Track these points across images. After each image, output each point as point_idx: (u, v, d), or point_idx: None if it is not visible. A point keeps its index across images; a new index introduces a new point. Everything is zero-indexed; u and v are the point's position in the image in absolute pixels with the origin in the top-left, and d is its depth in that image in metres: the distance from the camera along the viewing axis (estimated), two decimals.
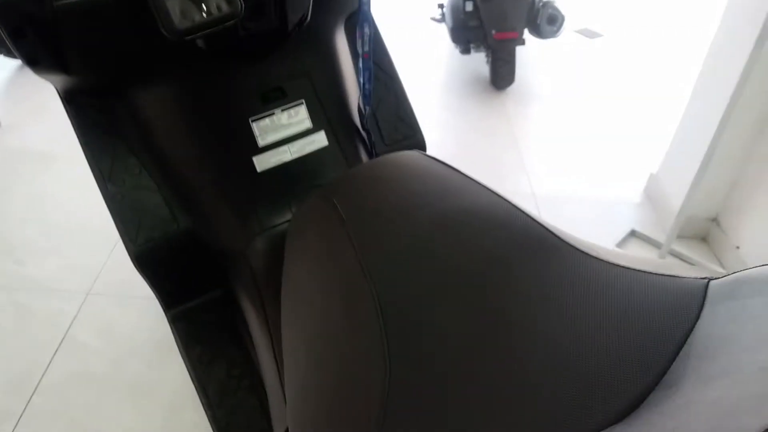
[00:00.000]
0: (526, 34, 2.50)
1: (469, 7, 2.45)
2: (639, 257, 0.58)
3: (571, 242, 0.58)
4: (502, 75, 2.51)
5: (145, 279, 1.02)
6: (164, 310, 1.08)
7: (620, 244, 1.71)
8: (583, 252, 0.56)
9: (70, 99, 0.95)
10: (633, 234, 1.76)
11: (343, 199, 0.69)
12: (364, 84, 1.02)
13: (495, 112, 2.46)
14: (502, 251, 0.56)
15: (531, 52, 2.92)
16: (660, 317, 0.48)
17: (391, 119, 1.15)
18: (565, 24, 2.50)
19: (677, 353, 0.44)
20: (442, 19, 2.83)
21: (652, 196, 1.91)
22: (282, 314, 0.70)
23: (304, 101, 0.99)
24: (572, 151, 2.21)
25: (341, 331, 0.55)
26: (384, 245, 0.60)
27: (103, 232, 1.64)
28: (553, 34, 2.47)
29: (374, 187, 0.69)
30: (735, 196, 1.64)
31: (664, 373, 0.43)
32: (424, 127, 1.18)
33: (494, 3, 2.37)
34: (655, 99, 2.59)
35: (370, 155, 1.10)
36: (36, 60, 0.82)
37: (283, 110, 0.97)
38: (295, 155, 0.99)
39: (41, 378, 1.27)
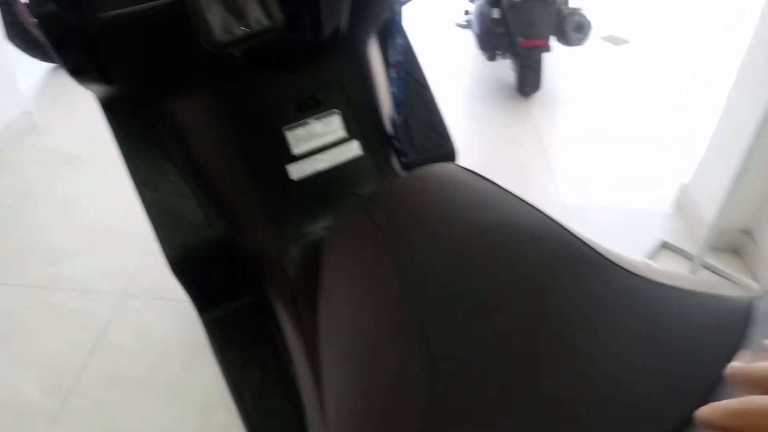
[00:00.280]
0: (553, 41, 2.50)
1: (496, 14, 2.45)
2: (677, 273, 0.58)
3: (611, 257, 0.58)
4: (528, 82, 2.50)
5: (180, 283, 1.04)
6: (199, 314, 1.09)
7: (651, 256, 1.70)
8: (623, 268, 0.56)
9: (109, 106, 0.97)
10: (664, 245, 1.75)
11: (380, 212, 0.69)
12: (396, 93, 1.03)
13: (521, 120, 2.45)
14: (541, 266, 0.57)
15: (557, 59, 2.91)
16: (703, 339, 0.47)
17: (423, 128, 1.16)
18: (592, 31, 2.49)
19: (721, 376, 0.44)
20: (468, 25, 2.83)
21: (683, 206, 1.89)
22: (320, 325, 0.71)
23: (337, 110, 1.00)
24: (600, 159, 2.20)
25: (381, 346, 0.55)
26: (423, 259, 0.60)
27: (133, 233, 1.66)
28: (580, 41, 2.46)
29: (412, 201, 0.70)
30: None
31: (707, 396, 0.43)
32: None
33: (521, 10, 2.36)
34: (683, 107, 2.56)
35: (402, 164, 1.11)
36: (79, 71, 0.84)
37: (317, 119, 0.98)
38: (329, 164, 1.00)
39: (77, 378, 1.29)
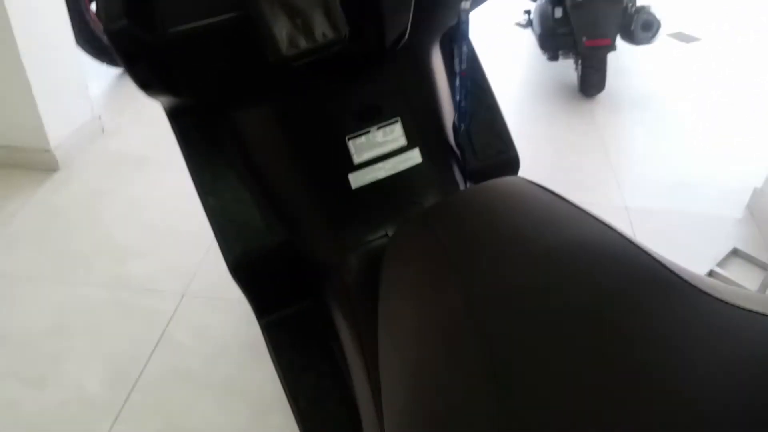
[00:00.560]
0: (618, 40, 2.41)
1: (559, 13, 2.39)
2: (758, 296, 0.54)
3: (690, 279, 0.54)
4: (592, 83, 2.43)
5: (240, 288, 1.06)
6: (257, 318, 1.11)
7: (722, 264, 1.62)
8: (703, 291, 0.53)
9: (175, 116, 1.00)
10: (735, 253, 1.66)
11: (443, 227, 0.68)
12: (460, 102, 1.02)
13: (584, 121, 2.38)
14: (616, 289, 0.54)
15: (621, 58, 2.81)
16: None
17: (485, 135, 1.14)
18: (661, 29, 2.39)
19: None
20: (528, 25, 2.78)
21: (755, 212, 1.80)
22: (379, 337, 0.71)
23: (399, 119, 0.99)
24: (666, 162, 2.11)
25: (448, 370, 0.54)
26: (488, 278, 0.58)
27: (196, 235, 1.71)
28: (648, 40, 2.37)
29: (476, 216, 0.68)
30: None
31: None
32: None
33: (585, 9, 2.30)
34: (756, 107, 2.43)
35: (464, 172, 1.09)
36: (148, 84, 0.86)
37: (378, 128, 0.98)
38: (390, 172, 0.99)
39: (140, 375, 1.34)
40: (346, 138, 0.96)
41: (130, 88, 2.70)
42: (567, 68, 2.70)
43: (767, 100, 2.49)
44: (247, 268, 1.03)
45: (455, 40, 1.03)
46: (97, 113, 2.25)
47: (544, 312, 0.53)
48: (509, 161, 1.16)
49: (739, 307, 0.52)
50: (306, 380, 1.04)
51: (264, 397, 1.28)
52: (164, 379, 1.33)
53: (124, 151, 2.18)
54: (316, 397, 1.02)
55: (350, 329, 0.91)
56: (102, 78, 2.66)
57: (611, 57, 2.48)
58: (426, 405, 0.54)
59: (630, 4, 2.37)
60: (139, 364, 1.36)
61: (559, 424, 0.45)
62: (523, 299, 0.54)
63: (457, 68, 1.00)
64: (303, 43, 0.74)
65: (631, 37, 2.38)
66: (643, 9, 2.34)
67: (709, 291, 0.53)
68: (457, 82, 1.00)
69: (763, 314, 0.51)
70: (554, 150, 2.23)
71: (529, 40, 2.87)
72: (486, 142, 1.14)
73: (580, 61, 2.45)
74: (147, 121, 2.34)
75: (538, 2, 2.59)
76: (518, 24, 2.86)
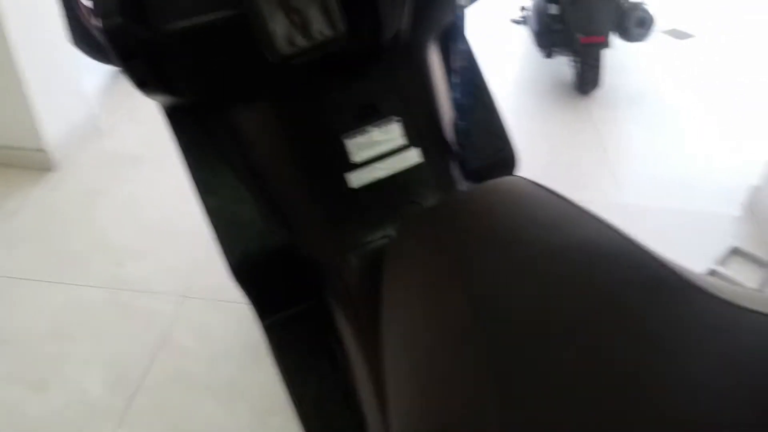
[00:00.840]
0: (613, 37, 2.41)
1: (554, 9, 2.39)
2: (761, 296, 0.54)
3: (694, 280, 0.55)
4: (587, 79, 2.43)
5: (241, 289, 1.06)
6: (258, 319, 1.11)
7: (722, 262, 1.62)
8: (707, 292, 0.53)
9: (172, 115, 0.99)
10: (735, 251, 1.66)
11: (446, 228, 0.68)
12: (459, 99, 1.01)
13: (580, 118, 2.39)
14: (619, 289, 0.54)
15: (616, 55, 2.81)
16: None
17: (483, 133, 1.14)
18: (655, 26, 2.40)
19: None
20: (523, 21, 2.78)
21: (753, 209, 1.80)
22: (383, 337, 0.71)
23: (397, 117, 0.99)
24: (662, 159, 2.12)
25: (453, 372, 0.54)
26: (492, 279, 0.59)
27: (193, 235, 1.70)
28: (642, 37, 2.37)
29: (478, 217, 0.68)
30: None
31: None
32: None
33: (581, 6, 2.30)
34: (752, 104, 2.44)
35: (462, 171, 1.09)
36: (145, 83, 0.86)
37: (376, 127, 0.98)
38: (389, 172, 0.99)
39: (143, 377, 1.33)
40: (344, 137, 0.96)
41: (125, 86, 2.67)
42: (562, 65, 2.70)
43: (763, 95, 2.50)
44: (248, 270, 1.03)
45: (452, 38, 1.03)
46: (92, 112, 2.24)
47: (549, 313, 0.53)
48: (508, 159, 1.16)
49: (742, 307, 0.52)
50: (308, 381, 1.04)
51: (266, 399, 1.28)
52: (166, 381, 1.33)
53: (120, 149, 2.17)
54: (318, 398, 1.02)
55: (352, 329, 0.91)
56: (96, 76, 2.64)
57: (606, 54, 2.49)
58: (432, 407, 0.54)
59: (624, 1, 2.37)
60: (141, 366, 1.36)
61: (564, 426, 0.45)
62: (528, 300, 0.55)
63: (454, 66, 1.00)
64: (301, 41, 0.73)
65: (625, 34, 2.39)
66: (637, 6, 2.34)
67: (711, 291, 0.54)
68: (456, 80, 0.99)
69: (766, 314, 0.51)
70: (550, 147, 2.23)
71: (524, 36, 2.86)
72: (484, 140, 1.14)
73: (575, 58, 2.46)
74: (143, 119, 2.33)
75: None
76: (514, 21, 2.86)
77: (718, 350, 0.48)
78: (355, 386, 0.95)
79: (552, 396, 0.47)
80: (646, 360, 0.48)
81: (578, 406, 0.46)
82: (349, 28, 0.77)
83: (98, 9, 0.77)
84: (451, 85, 1.05)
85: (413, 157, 1.00)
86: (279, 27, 0.73)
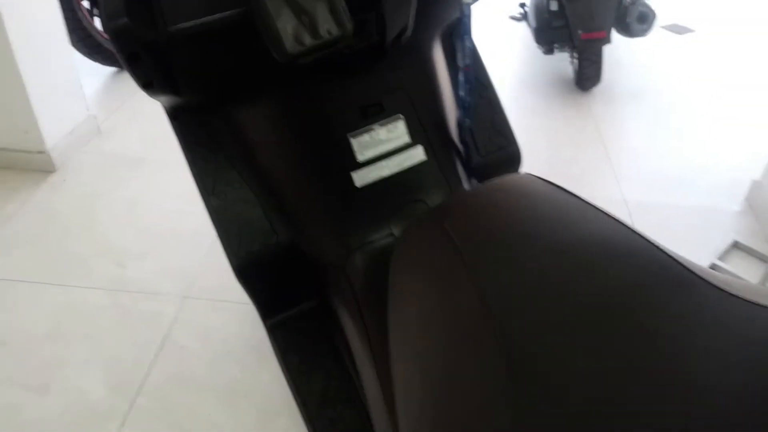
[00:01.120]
0: (614, 33, 2.41)
1: (554, 6, 2.39)
2: None
3: (702, 275, 0.54)
4: (588, 75, 2.43)
5: (245, 289, 1.05)
6: (262, 319, 1.10)
7: (723, 257, 1.62)
8: (716, 286, 0.53)
9: (175, 116, 0.99)
10: (736, 246, 1.66)
11: (454, 225, 0.67)
12: (463, 97, 1.01)
13: (581, 114, 2.38)
14: (630, 284, 0.54)
15: (616, 50, 2.81)
16: None
17: (486, 130, 1.13)
18: (656, 21, 2.39)
19: None
20: (522, 18, 2.77)
21: (754, 204, 1.80)
22: (390, 336, 0.70)
23: (402, 116, 0.98)
24: (663, 154, 2.12)
25: (464, 370, 0.53)
26: (502, 276, 0.58)
27: (194, 236, 1.70)
28: (643, 32, 2.37)
29: (487, 213, 0.67)
30: None
31: None
32: None
33: (581, 2, 2.29)
34: (752, 99, 2.43)
35: (467, 168, 1.08)
36: (150, 84, 0.85)
37: (381, 125, 0.97)
38: (394, 170, 0.98)
39: (144, 379, 1.33)
40: (348, 135, 0.95)
41: (125, 86, 2.69)
42: (563, 61, 2.70)
43: (763, 90, 2.50)
44: (252, 270, 1.02)
45: (457, 35, 1.03)
46: (92, 113, 2.23)
47: (560, 309, 0.52)
48: (512, 157, 1.15)
49: (752, 303, 0.52)
50: (314, 381, 1.03)
51: (271, 400, 1.27)
52: (169, 383, 1.32)
53: (120, 150, 2.16)
54: (324, 398, 1.01)
55: (357, 329, 0.91)
56: (96, 77, 2.63)
57: (606, 50, 2.49)
58: (444, 406, 0.53)
59: None
60: (143, 368, 1.35)
61: (579, 423, 0.44)
62: (539, 297, 0.54)
63: (459, 63, 0.99)
64: (308, 41, 0.73)
65: (626, 30, 2.38)
66: (638, 1, 2.34)
67: (721, 286, 0.53)
68: (461, 78, 0.99)
69: None
70: (551, 143, 2.23)
71: (524, 33, 2.86)
72: (488, 137, 1.13)
73: (576, 54, 2.45)
74: (143, 120, 2.32)
75: None
76: (513, 17, 2.86)
77: (732, 346, 0.48)
78: (361, 386, 0.94)
79: (568, 394, 0.47)
80: (660, 357, 0.48)
81: (595, 402, 0.46)
82: (354, 26, 0.77)
83: (104, 10, 0.76)
84: (456, 83, 1.05)
85: (418, 155, 1.00)
86: (286, 26, 0.73)
